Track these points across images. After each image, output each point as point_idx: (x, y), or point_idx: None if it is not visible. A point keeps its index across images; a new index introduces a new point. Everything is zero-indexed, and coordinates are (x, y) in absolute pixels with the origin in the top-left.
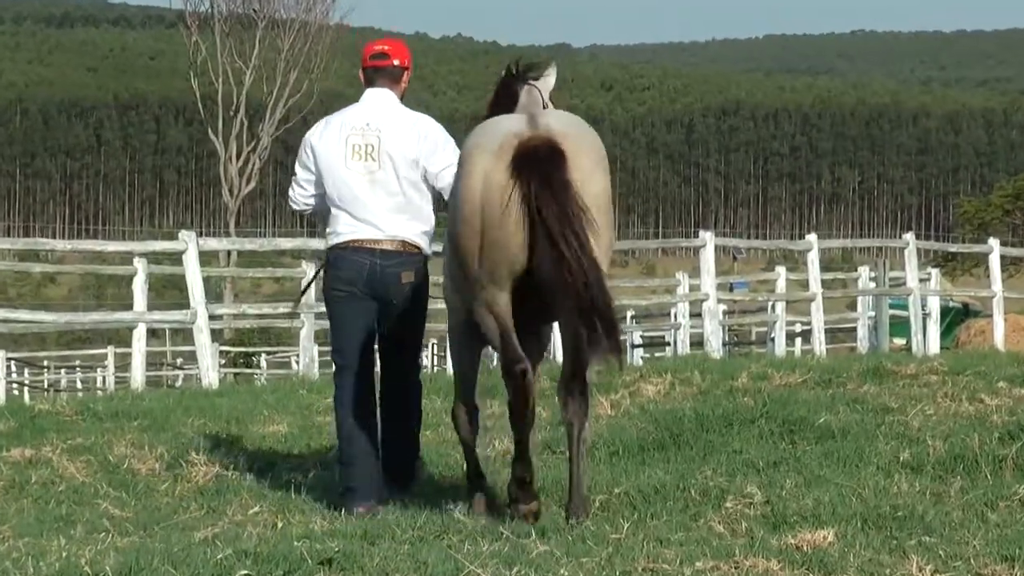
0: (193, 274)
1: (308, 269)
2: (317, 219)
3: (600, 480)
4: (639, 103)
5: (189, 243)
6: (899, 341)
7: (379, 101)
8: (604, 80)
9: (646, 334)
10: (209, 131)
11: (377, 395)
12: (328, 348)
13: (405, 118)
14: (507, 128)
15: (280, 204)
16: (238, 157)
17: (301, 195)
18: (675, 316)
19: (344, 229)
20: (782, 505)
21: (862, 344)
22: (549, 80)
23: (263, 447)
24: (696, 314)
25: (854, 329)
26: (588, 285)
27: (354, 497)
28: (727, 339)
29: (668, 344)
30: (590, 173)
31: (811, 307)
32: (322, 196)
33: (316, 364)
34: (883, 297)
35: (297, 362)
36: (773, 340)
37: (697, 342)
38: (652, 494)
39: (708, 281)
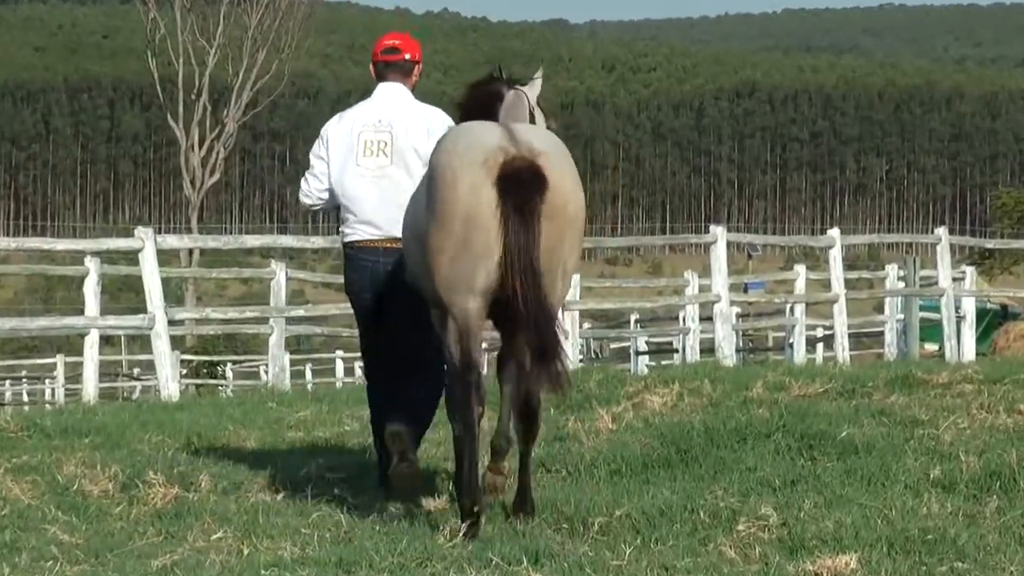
0: (151, 275)
1: (277, 269)
2: (327, 212)
3: (600, 501)
4: (644, 85)
5: (146, 241)
6: (931, 347)
7: (391, 96)
8: (605, 60)
9: (651, 339)
10: (168, 117)
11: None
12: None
13: (417, 113)
14: (490, 141)
15: (247, 197)
16: (201, 145)
17: (316, 188)
18: (683, 320)
19: (352, 228)
20: (800, 528)
21: (890, 350)
22: (536, 85)
23: (228, 466)
24: (707, 317)
25: (881, 334)
26: (535, 321)
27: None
28: (741, 345)
29: (676, 351)
30: (570, 193)
31: (833, 309)
32: (333, 191)
33: (287, 374)
34: (913, 298)
35: (266, 372)
36: (792, 346)
37: (708, 348)
38: (657, 516)
39: (720, 281)
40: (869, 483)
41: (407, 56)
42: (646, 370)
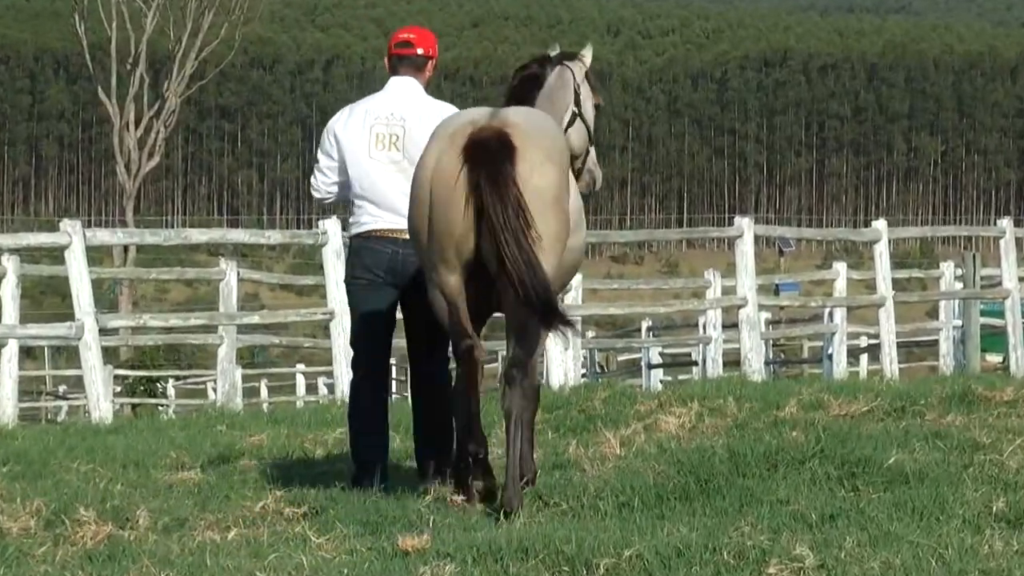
0: (79, 276)
1: (227, 269)
2: (338, 204)
3: (606, 540)
4: (657, 52)
5: (74, 236)
6: (993, 358)
7: (403, 90)
8: (611, 23)
9: (667, 350)
10: (100, 90)
11: (409, 389)
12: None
13: (429, 108)
14: (466, 118)
15: (192, 184)
16: (137, 124)
17: (324, 183)
18: (704, 327)
19: (367, 219)
20: (841, 570)
21: (945, 362)
22: (586, 59)
23: (170, 499)
24: (731, 325)
25: (935, 343)
26: (523, 279)
27: (362, 478)
28: (771, 357)
29: (695, 363)
30: (538, 165)
31: (880, 315)
32: (345, 184)
33: (239, 392)
34: (973, 301)
35: (215, 389)
36: (830, 358)
37: (732, 360)
38: (673, 557)
39: (746, 282)
40: (921, 517)
41: (420, 51)
42: (660, 386)
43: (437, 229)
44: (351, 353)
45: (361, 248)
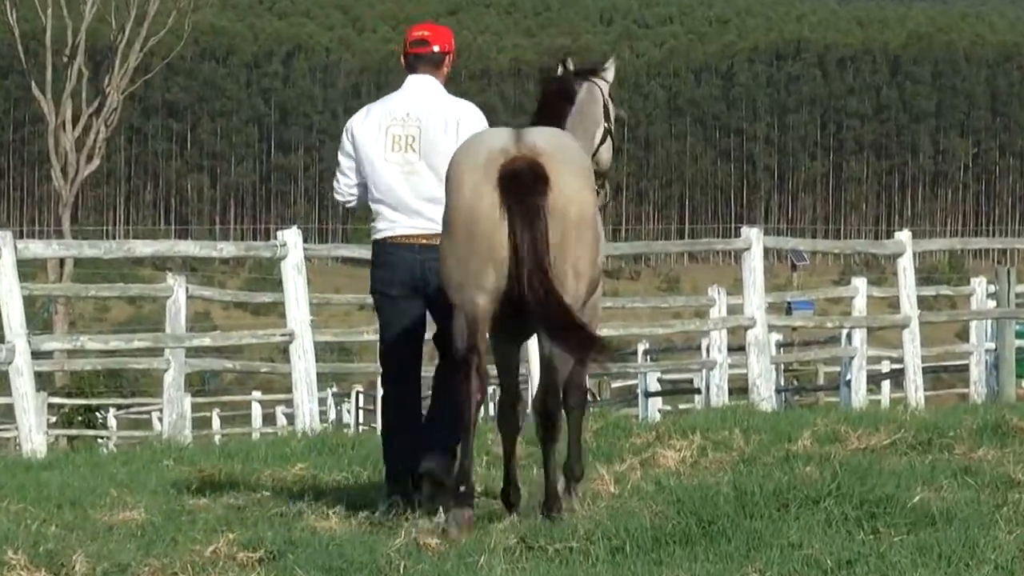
0: (9, 293)
1: (175, 285)
2: (361, 207)
3: None
4: (656, 43)
5: (3, 247)
6: None
7: (420, 89)
8: (604, 11)
9: (666, 376)
10: (33, 86)
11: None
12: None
13: (447, 107)
14: (493, 144)
15: (136, 190)
16: (75, 123)
17: (346, 185)
18: (707, 350)
19: (383, 225)
20: None
21: (976, 389)
22: (609, 75)
23: (111, 542)
24: (738, 348)
25: (965, 368)
26: (549, 313)
27: (393, 491)
28: (783, 384)
29: (697, 391)
30: (576, 192)
31: (903, 337)
32: (365, 186)
33: (188, 422)
34: (1008, 322)
35: (160, 420)
36: (849, 384)
37: (739, 388)
38: None
39: (755, 300)
40: (949, 563)
41: (436, 48)
42: (659, 416)
43: (477, 255)
44: (380, 368)
45: (379, 257)
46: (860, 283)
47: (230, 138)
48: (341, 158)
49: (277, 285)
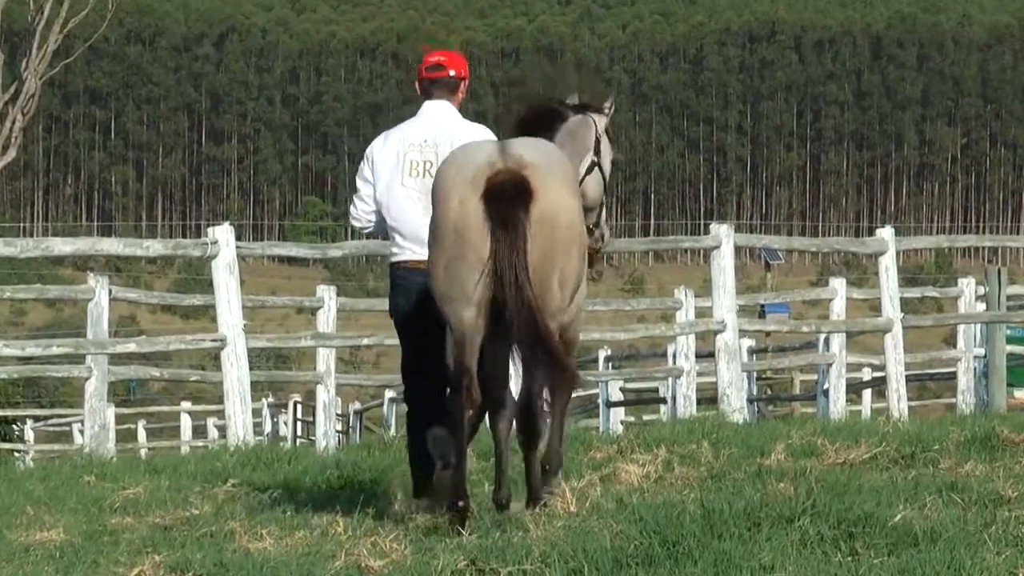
0: None
1: (98, 287)
2: (377, 236)
3: None
4: (618, 24)
5: None
6: (1022, 394)
7: (437, 115)
8: None
9: (629, 385)
10: None
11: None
12: (129, 410)
13: (462, 133)
14: (479, 158)
15: (56, 183)
16: None
17: (363, 211)
18: (674, 357)
19: (396, 250)
20: None
21: (964, 399)
22: (607, 112)
23: (27, 565)
24: (707, 354)
25: (952, 376)
26: (527, 326)
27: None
28: (755, 393)
29: (663, 401)
30: (563, 202)
31: (885, 342)
32: (381, 213)
33: (111, 434)
34: (998, 326)
35: (81, 432)
36: (827, 394)
37: (708, 398)
38: None
39: (725, 302)
40: None
41: (452, 72)
42: (621, 428)
43: (464, 267)
44: (403, 387)
45: (394, 281)
46: (839, 284)
47: (157, 127)
48: (360, 183)
49: (208, 286)
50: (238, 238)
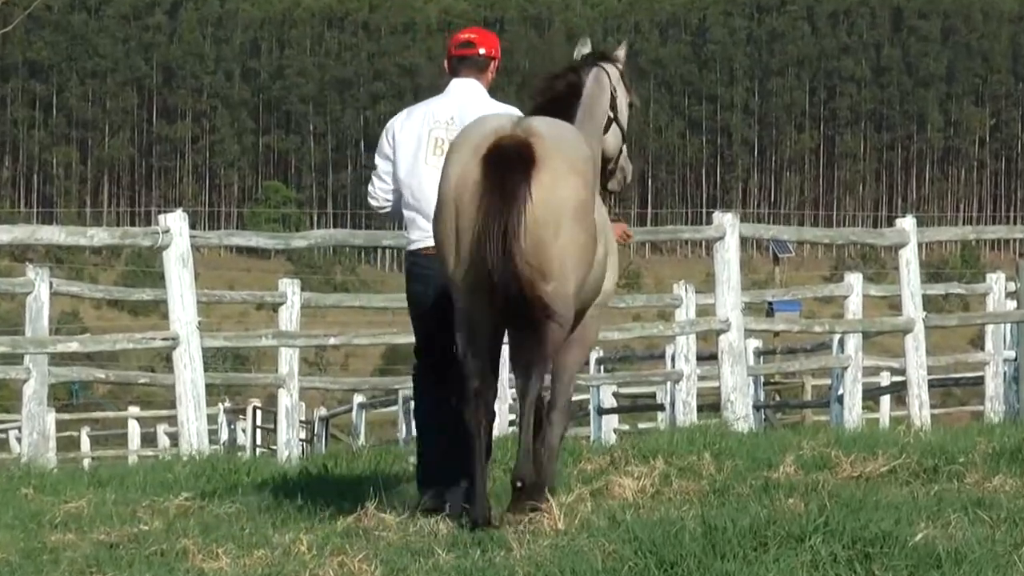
0: None
1: (37, 279)
2: (395, 218)
3: None
4: None
5: None
6: None
7: (465, 93)
8: None
9: (623, 390)
10: None
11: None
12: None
13: (487, 108)
14: (489, 126)
15: None
16: None
17: (382, 190)
18: (673, 359)
19: (416, 235)
20: None
21: (993, 406)
22: (619, 60)
23: None
24: (709, 356)
25: (980, 381)
26: (509, 293)
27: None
28: (762, 399)
29: (661, 407)
30: (562, 175)
31: (906, 344)
32: (400, 193)
33: (51, 442)
34: None
35: (18, 439)
36: (841, 400)
37: (710, 404)
38: None
39: (729, 299)
40: None
41: (482, 51)
42: (614, 438)
43: (463, 247)
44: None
45: (411, 270)
46: (855, 280)
47: (104, 104)
48: (379, 160)
49: (159, 280)
50: (192, 226)
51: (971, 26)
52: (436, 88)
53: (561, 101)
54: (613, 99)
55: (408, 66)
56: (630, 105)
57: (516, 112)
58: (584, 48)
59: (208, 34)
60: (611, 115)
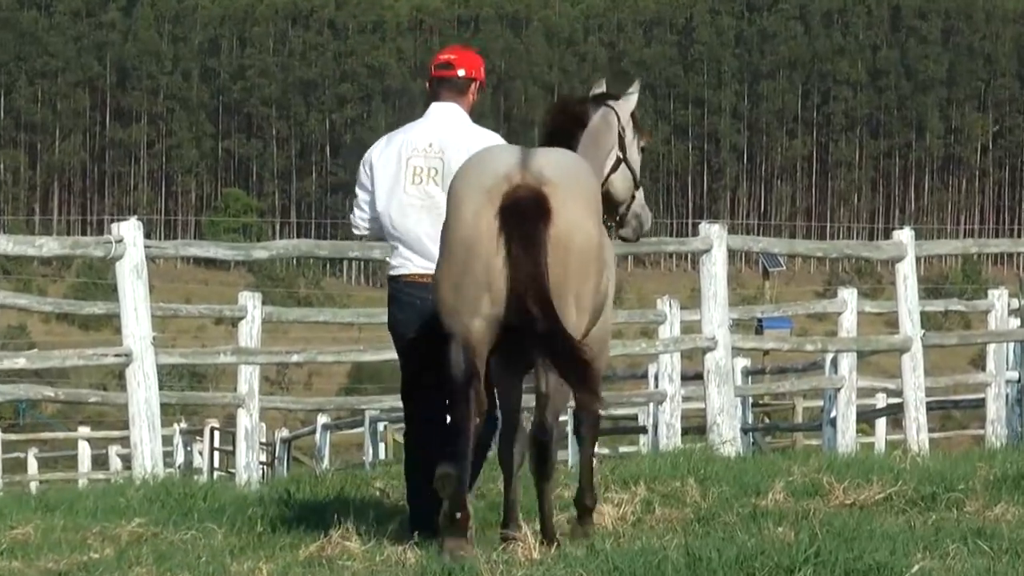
0: None
1: None
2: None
3: None
4: None
5: None
6: None
7: (443, 118)
8: None
9: (603, 412)
10: None
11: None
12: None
13: (471, 138)
14: (499, 168)
15: None
16: None
17: (361, 219)
18: (656, 379)
19: (398, 262)
20: None
21: (994, 430)
22: (631, 100)
23: None
24: (694, 376)
25: (981, 404)
26: (553, 339)
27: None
28: (751, 422)
29: (643, 430)
30: (579, 223)
31: (902, 363)
32: (379, 221)
33: None
34: None
35: None
36: (834, 423)
37: (695, 427)
38: None
39: (716, 315)
40: None
41: (460, 72)
42: (595, 463)
43: (473, 281)
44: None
45: (394, 296)
46: (849, 295)
47: (54, 105)
48: (359, 191)
49: (111, 292)
50: (147, 236)
51: (973, 27)
52: (407, 92)
53: (564, 128)
54: (621, 139)
55: (377, 67)
56: (642, 149)
57: (500, 140)
58: (598, 89)
59: (165, 32)
60: (619, 155)
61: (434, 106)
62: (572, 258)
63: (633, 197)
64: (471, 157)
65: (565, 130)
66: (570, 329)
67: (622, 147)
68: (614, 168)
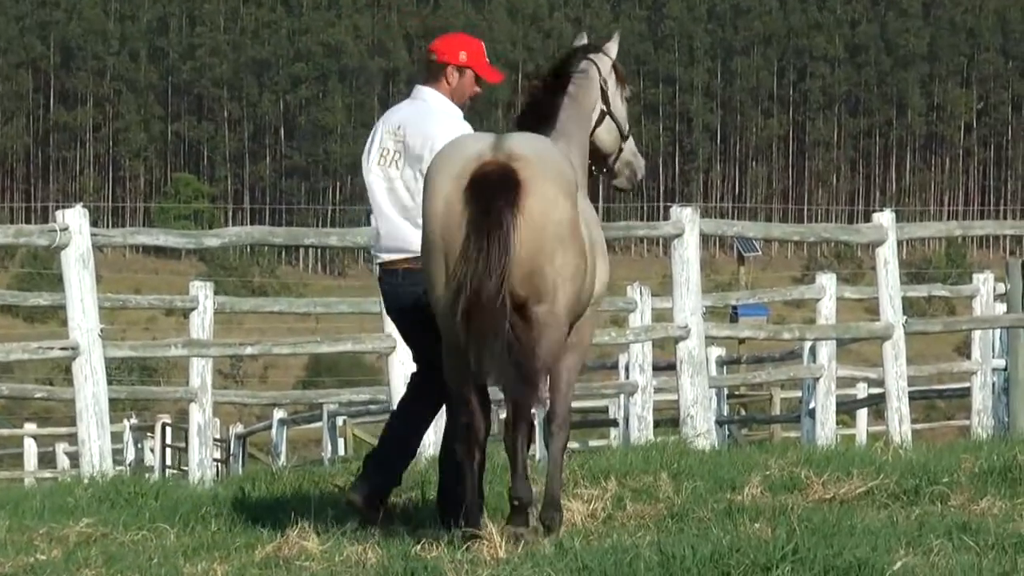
0: None
1: None
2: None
3: None
4: None
5: None
6: None
7: (416, 102)
8: None
9: (572, 404)
10: None
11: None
12: None
13: (432, 123)
14: (470, 151)
15: None
16: None
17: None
18: (626, 370)
19: (375, 244)
20: None
21: (980, 420)
22: (612, 51)
23: None
24: (666, 366)
25: (966, 393)
26: (486, 324)
27: (357, 488)
28: (726, 413)
29: (613, 423)
30: (552, 199)
31: (884, 352)
32: None
33: None
34: (1021, 331)
35: None
36: (813, 414)
37: (668, 420)
38: None
39: (689, 303)
40: None
41: (434, 56)
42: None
43: (454, 280)
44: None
45: (379, 280)
46: (828, 281)
47: None
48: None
49: (57, 283)
50: (94, 224)
51: (955, 0)
52: (364, 71)
53: (546, 98)
54: (604, 92)
55: (333, 45)
56: (627, 98)
57: (466, 127)
58: (580, 42)
59: (111, 10)
60: (603, 108)
61: (415, 88)
62: (548, 232)
63: (621, 148)
64: (443, 147)
65: (548, 100)
66: (559, 304)
67: (605, 100)
68: (599, 122)
